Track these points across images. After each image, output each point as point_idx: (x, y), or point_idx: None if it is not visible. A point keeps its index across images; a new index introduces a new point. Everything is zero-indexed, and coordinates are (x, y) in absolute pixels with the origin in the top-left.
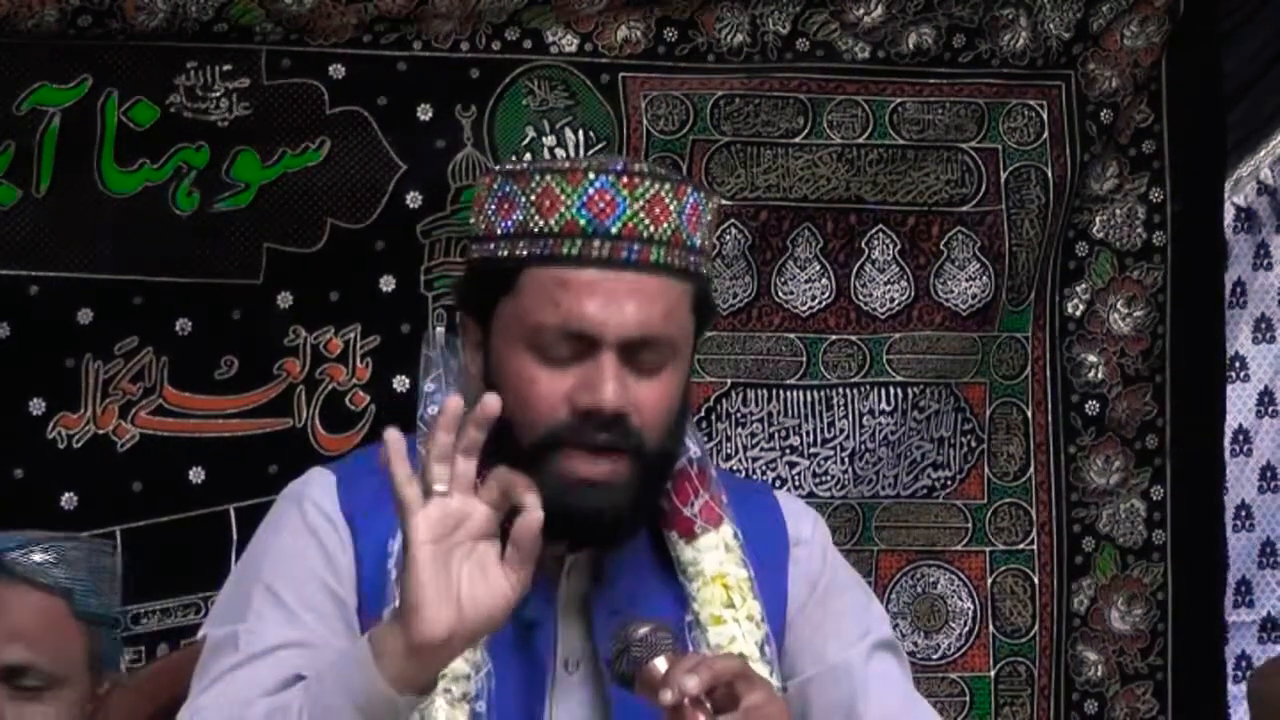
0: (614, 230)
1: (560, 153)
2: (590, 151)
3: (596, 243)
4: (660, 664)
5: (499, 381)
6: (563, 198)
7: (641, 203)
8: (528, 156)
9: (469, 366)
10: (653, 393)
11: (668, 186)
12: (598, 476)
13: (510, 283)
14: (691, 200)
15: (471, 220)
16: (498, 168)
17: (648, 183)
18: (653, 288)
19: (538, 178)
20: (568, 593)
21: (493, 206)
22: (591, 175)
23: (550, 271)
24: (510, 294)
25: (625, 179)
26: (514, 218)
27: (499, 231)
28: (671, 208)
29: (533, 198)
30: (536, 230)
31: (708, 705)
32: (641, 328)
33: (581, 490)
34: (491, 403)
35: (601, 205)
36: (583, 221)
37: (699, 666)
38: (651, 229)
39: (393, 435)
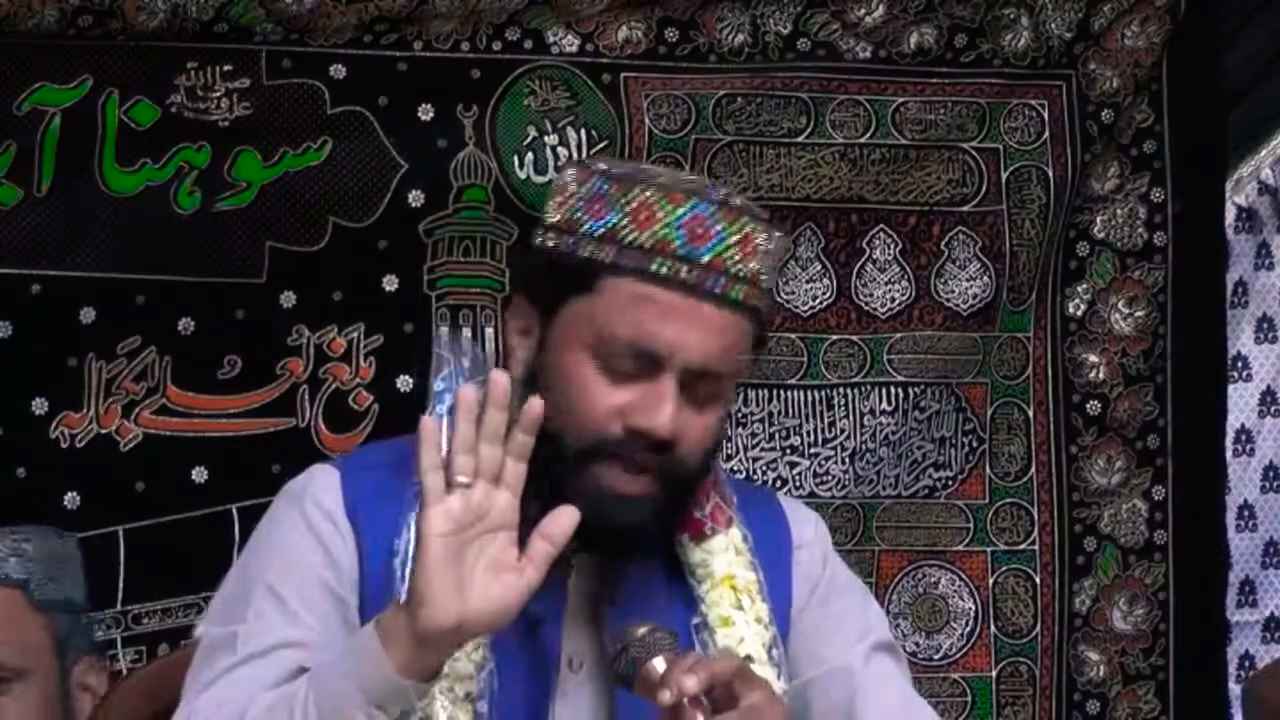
0: (705, 259)
1: (564, 152)
2: (593, 151)
3: (685, 268)
4: (659, 664)
5: (551, 377)
6: (660, 215)
7: (737, 237)
8: (530, 156)
9: (514, 350)
10: (700, 424)
11: (760, 226)
12: (632, 492)
13: (588, 283)
14: (777, 244)
15: (550, 206)
16: (595, 165)
17: (745, 219)
18: (725, 323)
19: (638, 189)
20: (575, 591)
21: (582, 202)
22: (693, 199)
23: (633, 284)
24: (585, 294)
25: (725, 211)
26: (606, 220)
27: (585, 230)
28: (761, 248)
29: (628, 208)
30: (628, 241)
31: (706, 705)
32: (708, 359)
33: (615, 504)
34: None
35: (699, 231)
36: (677, 243)
37: (697, 666)
38: (740, 266)
39: (428, 422)
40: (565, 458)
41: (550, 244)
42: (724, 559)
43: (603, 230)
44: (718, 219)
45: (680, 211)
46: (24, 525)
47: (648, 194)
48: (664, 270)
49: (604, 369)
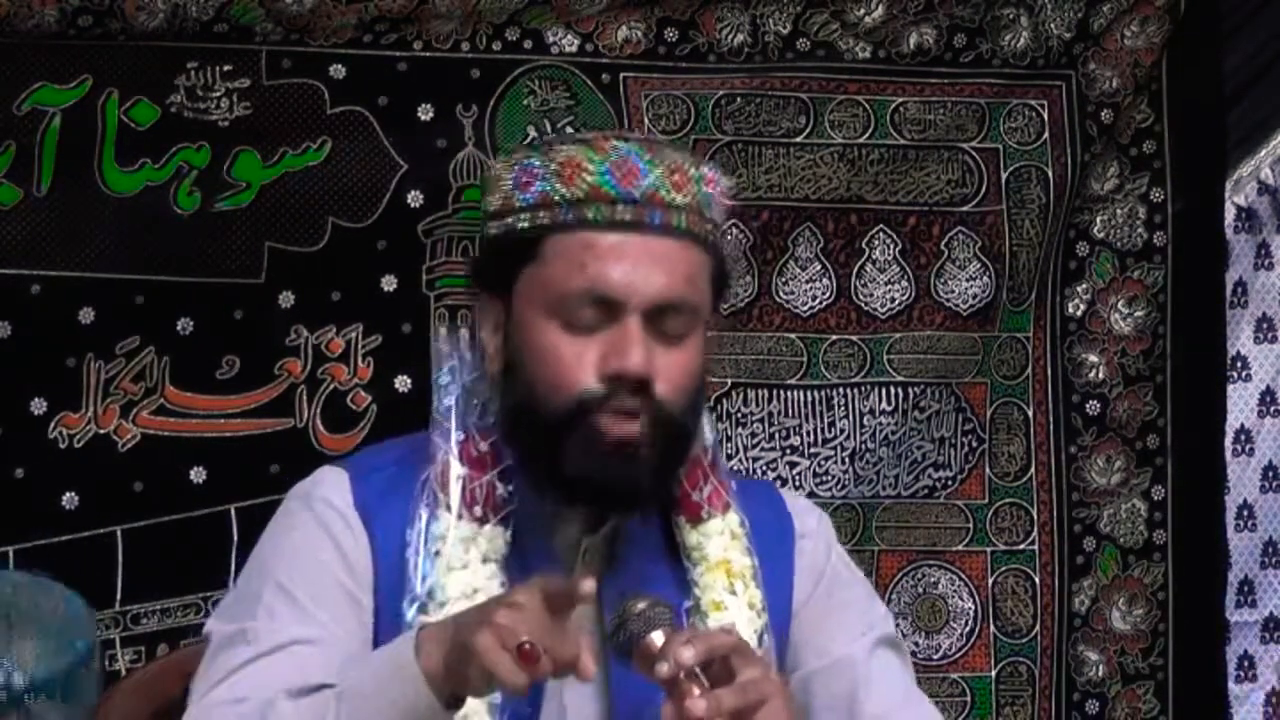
0: (638, 195)
1: None
2: None
3: (620, 207)
4: (657, 638)
5: (523, 353)
6: (587, 165)
7: (663, 169)
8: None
9: (486, 347)
10: (676, 360)
11: (688, 159)
12: (626, 436)
13: (533, 252)
14: (708, 174)
15: (487, 198)
16: (518, 146)
17: (668, 151)
18: (676, 253)
19: (562, 147)
20: (583, 575)
21: (511, 181)
22: (616, 144)
23: (575, 236)
24: (533, 263)
25: (649, 148)
26: (535, 189)
27: (518, 204)
28: (692, 175)
29: (554, 167)
30: (559, 199)
31: (703, 678)
32: (667, 292)
33: (610, 451)
34: (588, 586)
35: (625, 171)
36: (607, 187)
37: (695, 640)
38: (674, 196)
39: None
40: (553, 424)
41: (494, 232)
42: (719, 542)
43: (535, 198)
44: (642, 156)
45: (605, 158)
46: None
47: (570, 150)
48: (600, 216)
49: (567, 327)
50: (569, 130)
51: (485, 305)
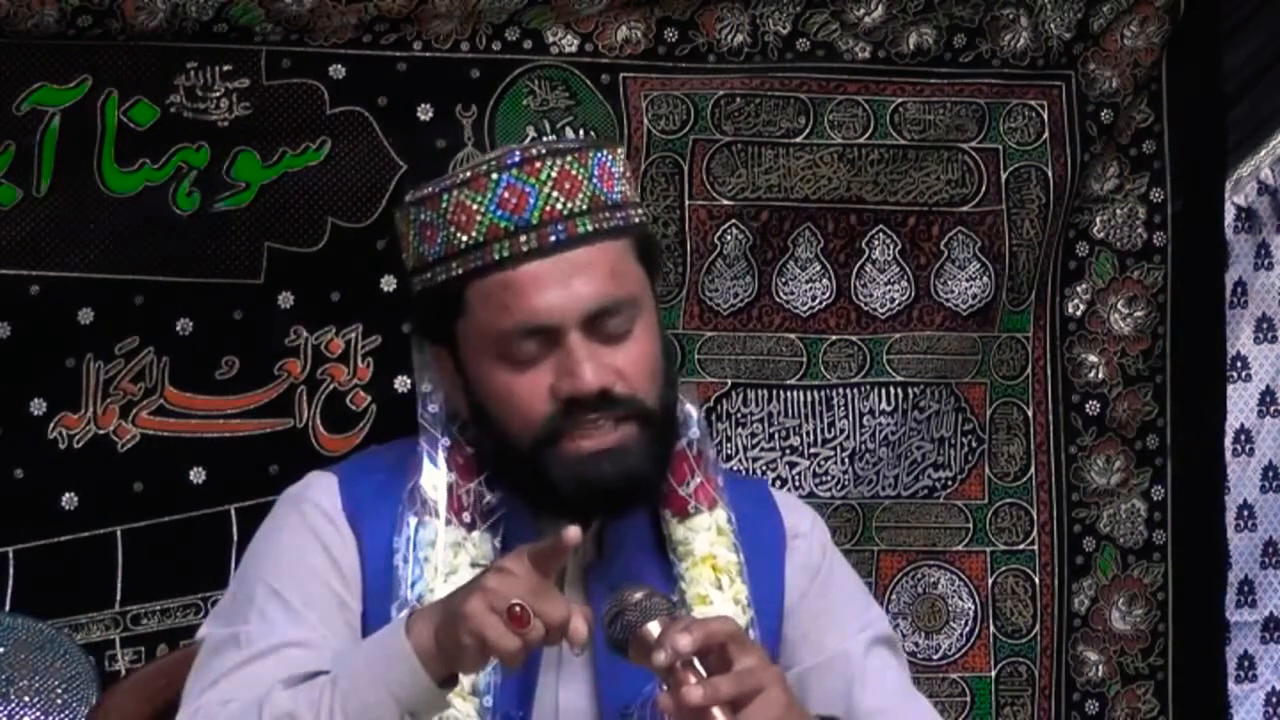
0: (534, 220)
1: None
2: None
3: (522, 238)
4: (654, 627)
5: (483, 397)
6: (475, 208)
7: (550, 184)
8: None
9: (450, 394)
10: (630, 355)
11: (570, 158)
12: (607, 445)
13: (457, 304)
14: (597, 161)
15: (403, 256)
16: (406, 198)
17: (549, 162)
18: (591, 258)
19: (446, 196)
20: (573, 568)
21: (415, 237)
22: (495, 176)
23: (489, 280)
24: (462, 314)
25: (527, 168)
26: (438, 240)
27: (430, 259)
28: (579, 176)
29: (448, 216)
30: (462, 246)
31: (700, 667)
32: (594, 299)
33: (596, 462)
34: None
35: (514, 201)
36: (502, 224)
37: (693, 627)
38: (568, 205)
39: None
40: (526, 454)
41: (418, 288)
42: (706, 538)
43: (441, 251)
44: (524, 179)
45: (489, 194)
46: None
47: (456, 195)
48: (506, 252)
49: (513, 366)
50: (567, 132)
51: (434, 353)
